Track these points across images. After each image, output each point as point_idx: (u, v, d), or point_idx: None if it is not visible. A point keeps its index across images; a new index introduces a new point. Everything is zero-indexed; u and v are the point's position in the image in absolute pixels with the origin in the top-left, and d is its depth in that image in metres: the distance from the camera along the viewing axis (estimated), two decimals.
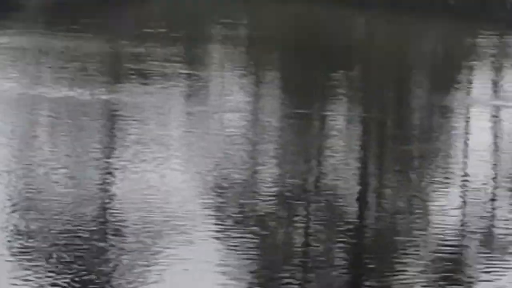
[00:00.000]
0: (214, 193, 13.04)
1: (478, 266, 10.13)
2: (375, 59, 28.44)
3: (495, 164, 15.98)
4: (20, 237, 11.48)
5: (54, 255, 10.69)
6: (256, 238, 11.32)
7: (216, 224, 11.35)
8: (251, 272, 10.19)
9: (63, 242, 11.35)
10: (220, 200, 12.86)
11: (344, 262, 10.68)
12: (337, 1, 38.38)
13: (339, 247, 11.05)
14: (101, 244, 11.18)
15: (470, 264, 10.40)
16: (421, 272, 10.15)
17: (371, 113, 20.44)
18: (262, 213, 12.44)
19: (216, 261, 10.61)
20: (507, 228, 11.77)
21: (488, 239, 11.40)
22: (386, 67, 26.84)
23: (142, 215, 11.40)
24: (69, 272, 10.34)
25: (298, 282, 9.94)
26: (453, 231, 11.41)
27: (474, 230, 11.58)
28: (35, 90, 20.67)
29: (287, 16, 37.33)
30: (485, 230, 11.75)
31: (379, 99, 22.40)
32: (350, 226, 11.95)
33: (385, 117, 20.41)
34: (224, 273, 10.10)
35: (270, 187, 13.60)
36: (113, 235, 11.32)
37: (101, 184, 13.29)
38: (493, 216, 12.59)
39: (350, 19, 36.74)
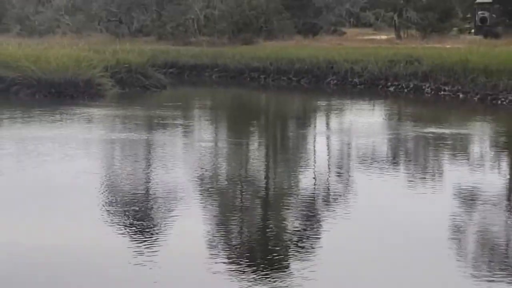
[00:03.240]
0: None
1: None
2: (272, 115, 34.88)
3: None
4: None
5: None
6: None
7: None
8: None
9: None
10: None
11: None
12: (249, 86, 46.26)
13: None
14: None
15: None
16: None
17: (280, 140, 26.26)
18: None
19: None
20: None
21: None
22: (277, 118, 33.33)
23: None
24: None
25: None
26: None
27: None
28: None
29: (230, 94, 44.19)
30: None
31: (280, 131, 28.56)
32: None
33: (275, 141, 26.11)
34: None
35: None
36: None
37: None
38: None
39: (257, 95, 43.57)
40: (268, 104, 39.53)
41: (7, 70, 36.12)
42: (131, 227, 13.33)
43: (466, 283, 10.94)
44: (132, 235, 12.82)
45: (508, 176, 19.22)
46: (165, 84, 41.90)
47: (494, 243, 12.94)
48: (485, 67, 35.38)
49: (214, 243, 12.52)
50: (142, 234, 12.87)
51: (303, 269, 11.27)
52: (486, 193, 16.31)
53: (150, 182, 17.24)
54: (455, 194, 16.20)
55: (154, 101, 36.50)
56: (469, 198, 15.80)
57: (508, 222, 14.37)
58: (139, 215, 14.14)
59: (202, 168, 18.72)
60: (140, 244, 12.29)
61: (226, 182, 17.47)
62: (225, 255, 11.91)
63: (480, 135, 25.84)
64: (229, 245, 12.52)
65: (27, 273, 10.97)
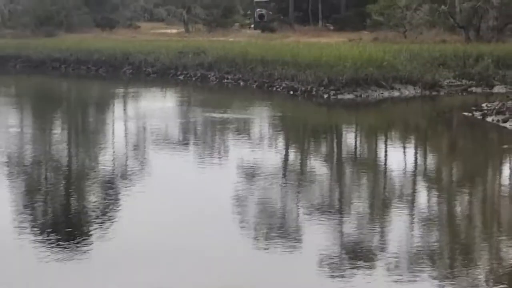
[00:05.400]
0: None
1: None
2: (73, 101, 35.15)
3: None
4: None
5: None
6: None
7: None
8: None
9: None
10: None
11: None
12: (51, 75, 44.78)
13: None
14: None
15: None
16: None
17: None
18: None
19: None
20: None
21: None
22: (78, 104, 33.36)
23: None
24: None
25: None
26: None
27: None
28: None
29: (33, 82, 42.31)
30: None
31: (81, 117, 28.17)
32: None
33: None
34: None
35: None
36: None
37: None
38: None
39: (59, 83, 42.86)
40: (69, 92, 39.29)
41: None
42: None
43: (247, 246, 11.24)
44: None
45: (283, 153, 19.80)
46: None
47: (272, 211, 13.30)
48: (262, 58, 36.07)
49: (20, 220, 12.31)
50: None
51: (102, 237, 11.44)
52: (265, 168, 16.79)
53: None
54: (239, 171, 16.57)
55: None
56: (251, 173, 16.26)
57: (284, 192, 14.79)
58: None
59: (7, 152, 18.40)
60: None
61: (31, 165, 17.23)
62: (31, 229, 11.79)
63: (259, 118, 26.15)
64: (34, 221, 12.38)
65: None
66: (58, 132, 23.14)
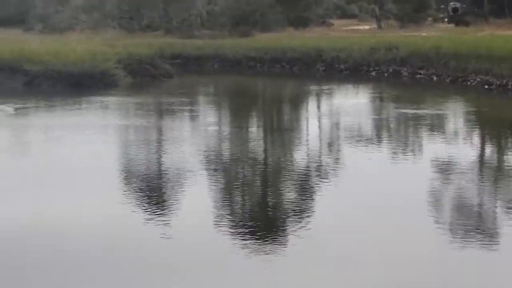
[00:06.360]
0: None
1: None
2: (269, 99, 35.18)
3: None
4: None
5: None
6: None
7: None
8: None
9: None
10: None
11: None
12: (247, 73, 45.11)
13: None
14: None
15: None
16: None
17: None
18: None
19: None
20: None
21: None
22: (274, 102, 33.57)
23: None
24: None
25: None
26: None
27: None
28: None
29: (230, 81, 43.15)
30: None
31: (277, 114, 29.03)
32: None
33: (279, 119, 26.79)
34: None
35: None
36: None
37: None
38: None
39: (255, 82, 43.11)
40: (265, 90, 39.61)
41: (31, 65, 35.60)
42: (146, 202, 13.41)
43: (441, 244, 10.96)
44: (146, 210, 12.89)
45: (479, 149, 19.31)
46: (172, 74, 41.55)
47: (468, 209, 13.00)
48: (455, 52, 35.34)
49: (216, 214, 12.56)
50: (155, 208, 12.94)
51: (295, 232, 11.44)
52: (461, 164, 16.49)
53: (161, 162, 17.28)
54: (433, 166, 16.29)
55: (163, 89, 36.47)
56: (445, 169, 15.95)
57: (480, 189, 14.41)
58: (153, 192, 14.32)
59: (206, 150, 18.80)
60: (154, 217, 12.36)
61: (228, 162, 17.58)
62: (225, 222, 12.05)
63: (453, 114, 25.81)
64: (230, 215, 12.62)
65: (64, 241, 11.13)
66: (255, 130, 23.46)
